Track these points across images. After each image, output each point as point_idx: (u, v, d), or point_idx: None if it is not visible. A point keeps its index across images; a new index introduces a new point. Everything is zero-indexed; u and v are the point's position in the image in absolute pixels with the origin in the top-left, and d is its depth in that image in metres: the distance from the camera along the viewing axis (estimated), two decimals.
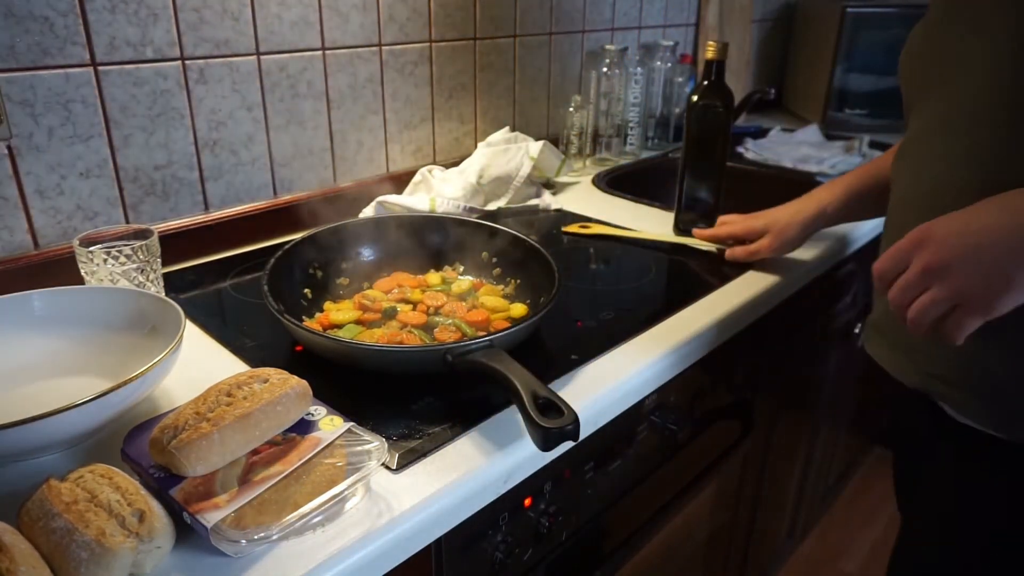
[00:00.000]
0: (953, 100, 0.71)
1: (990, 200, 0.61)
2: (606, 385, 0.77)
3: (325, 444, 0.60)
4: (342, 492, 0.57)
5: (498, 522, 0.71)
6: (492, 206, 1.28)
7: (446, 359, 0.71)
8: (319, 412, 0.64)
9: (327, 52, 1.14)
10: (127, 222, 0.99)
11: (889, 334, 0.81)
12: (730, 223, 1.10)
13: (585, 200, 1.38)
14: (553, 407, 0.62)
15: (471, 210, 1.23)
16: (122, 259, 0.82)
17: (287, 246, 0.90)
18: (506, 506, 0.70)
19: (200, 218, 1.07)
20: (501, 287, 0.97)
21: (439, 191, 1.23)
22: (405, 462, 0.63)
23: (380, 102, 1.25)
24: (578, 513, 0.83)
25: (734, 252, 1.08)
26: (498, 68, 1.44)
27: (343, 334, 0.82)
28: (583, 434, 0.65)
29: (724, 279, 1.03)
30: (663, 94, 1.75)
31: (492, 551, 0.71)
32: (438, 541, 0.64)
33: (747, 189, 1.58)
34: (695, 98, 1.12)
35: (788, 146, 1.77)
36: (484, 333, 0.83)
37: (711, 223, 1.17)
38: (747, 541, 1.43)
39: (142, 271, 0.84)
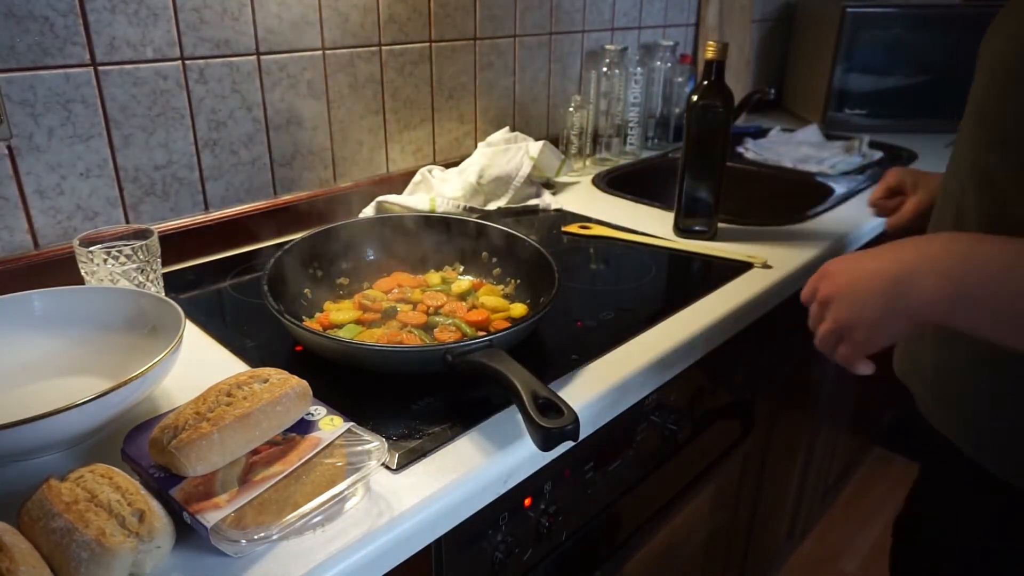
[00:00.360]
0: (975, 91, 0.73)
1: (896, 243, 0.63)
2: (606, 385, 0.77)
3: (325, 444, 0.60)
4: (342, 492, 0.57)
5: (498, 522, 0.71)
6: (492, 206, 1.28)
7: (446, 359, 0.71)
8: (319, 412, 0.64)
9: (327, 52, 1.14)
10: (127, 222, 0.99)
11: None
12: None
13: (585, 200, 1.38)
14: (553, 407, 0.62)
15: (471, 210, 1.23)
16: (122, 259, 0.82)
17: (287, 246, 0.90)
18: (506, 506, 0.70)
19: (200, 218, 1.07)
20: (501, 287, 0.97)
21: (439, 191, 1.23)
22: (405, 462, 0.63)
23: (380, 102, 1.25)
24: (578, 513, 0.83)
25: (895, 222, 0.98)
26: (498, 68, 1.44)
27: (343, 334, 0.82)
28: (583, 434, 0.65)
29: (724, 279, 1.03)
30: (663, 94, 1.75)
31: (492, 551, 0.71)
32: (438, 541, 0.64)
33: (747, 189, 1.58)
34: (695, 98, 1.12)
35: (788, 146, 1.77)
36: (484, 333, 0.83)
37: (711, 223, 1.17)
38: (747, 541, 1.43)
39: (142, 271, 0.84)
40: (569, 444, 0.62)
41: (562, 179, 1.48)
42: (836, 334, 0.66)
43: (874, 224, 1.31)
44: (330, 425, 0.62)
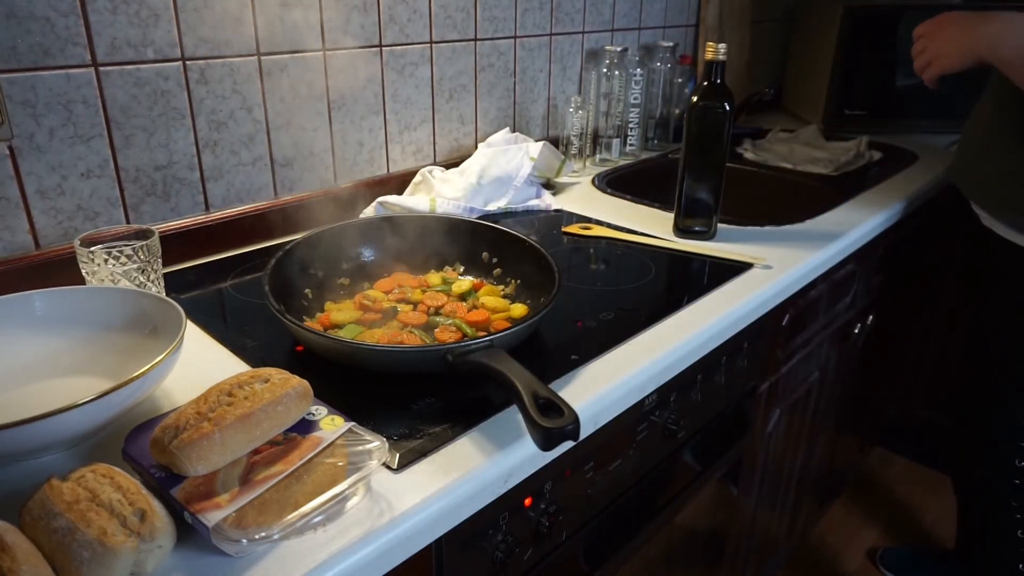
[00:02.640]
0: None
1: (990, 16, 1.10)
2: (606, 385, 0.77)
3: (326, 444, 0.60)
4: (343, 492, 0.57)
5: (498, 522, 0.71)
6: (492, 206, 1.28)
7: (447, 359, 0.71)
8: (320, 412, 0.64)
9: (328, 53, 1.14)
10: (128, 222, 0.99)
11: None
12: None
13: (585, 201, 1.38)
14: (553, 407, 0.62)
15: (471, 210, 1.23)
16: (123, 259, 0.82)
17: (288, 246, 0.90)
18: (506, 506, 0.70)
19: (201, 218, 1.07)
20: (501, 287, 0.97)
21: (439, 191, 1.24)
22: (406, 462, 0.64)
23: (381, 103, 1.25)
24: (578, 513, 0.83)
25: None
26: (498, 69, 1.44)
27: (344, 334, 0.83)
28: (583, 434, 0.65)
29: (724, 279, 1.03)
30: (663, 95, 1.75)
31: (492, 551, 0.71)
32: (439, 541, 0.64)
33: (747, 189, 1.58)
34: (695, 99, 1.12)
35: (788, 146, 1.77)
36: (484, 333, 0.83)
37: (711, 224, 1.18)
38: (747, 541, 1.43)
39: (143, 271, 0.84)
40: (569, 444, 0.62)
41: (562, 180, 1.48)
42: (928, 60, 1.17)
43: (874, 224, 1.31)
44: (331, 425, 0.62)
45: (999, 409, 1.35)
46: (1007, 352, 1.32)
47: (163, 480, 0.55)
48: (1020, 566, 1.38)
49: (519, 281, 0.96)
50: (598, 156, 1.65)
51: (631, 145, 1.69)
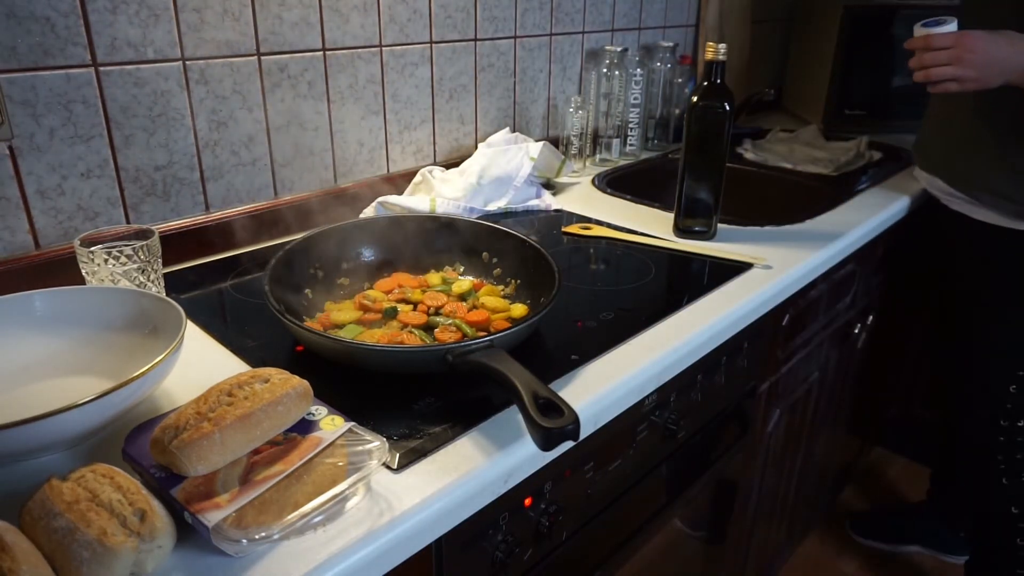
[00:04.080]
0: None
1: (1013, 38, 1.09)
2: (606, 385, 0.77)
3: (326, 444, 0.60)
4: (343, 492, 0.57)
5: (498, 522, 0.71)
6: (492, 206, 1.28)
7: (447, 359, 0.71)
8: (320, 412, 0.64)
9: (328, 53, 1.14)
10: (128, 222, 0.99)
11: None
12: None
13: (585, 201, 1.38)
14: (553, 407, 0.62)
15: (471, 210, 1.23)
16: (123, 259, 0.82)
17: (288, 246, 0.90)
18: (506, 506, 0.70)
19: (201, 218, 1.07)
20: (501, 287, 0.97)
21: (439, 191, 1.23)
22: (406, 462, 0.64)
23: (381, 103, 1.25)
24: (578, 513, 0.83)
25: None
26: (498, 69, 1.44)
27: (344, 334, 0.83)
28: (583, 434, 0.65)
29: (724, 279, 1.03)
30: (663, 95, 1.75)
31: (492, 551, 0.71)
32: (439, 541, 0.64)
33: (747, 189, 1.58)
34: (695, 99, 1.12)
35: (788, 146, 1.77)
36: (484, 333, 0.83)
37: (711, 224, 1.18)
38: (747, 541, 1.43)
39: (143, 271, 0.84)
40: (569, 444, 0.62)
41: (562, 180, 1.48)
42: (951, 77, 1.09)
43: (874, 224, 1.31)
44: (331, 425, 0.62)
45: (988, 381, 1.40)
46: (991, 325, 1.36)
47: (163, 480, 0.55)
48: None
49: (519, 281, 0.96)
50: (598, 156, 1.65)
51: (631, 145, 1.69)
